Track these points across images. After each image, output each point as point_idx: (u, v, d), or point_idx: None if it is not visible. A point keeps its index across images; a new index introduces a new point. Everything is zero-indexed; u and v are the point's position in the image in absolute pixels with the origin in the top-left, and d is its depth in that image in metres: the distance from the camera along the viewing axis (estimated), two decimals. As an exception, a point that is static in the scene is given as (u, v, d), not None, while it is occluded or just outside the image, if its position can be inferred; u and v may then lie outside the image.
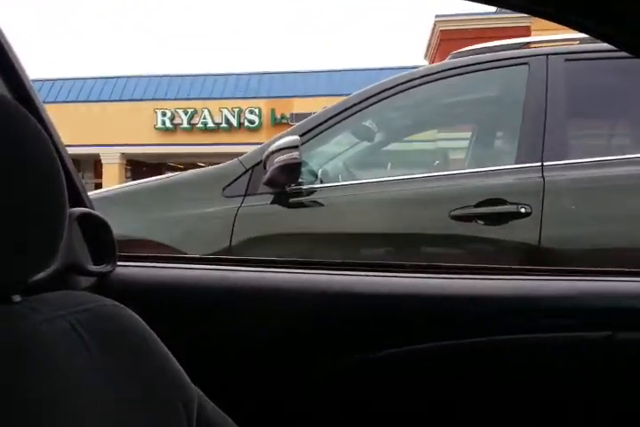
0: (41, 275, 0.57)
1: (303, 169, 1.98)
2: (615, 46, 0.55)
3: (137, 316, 0.61)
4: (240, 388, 0.87)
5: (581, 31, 0.58)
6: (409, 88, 2.10)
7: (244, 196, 1.98)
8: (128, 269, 0.90)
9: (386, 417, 0.86)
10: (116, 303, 0.61)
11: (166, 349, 0.61)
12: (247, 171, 2.01)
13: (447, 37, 11.32)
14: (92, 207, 0.86)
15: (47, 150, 0.53)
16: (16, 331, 0.51)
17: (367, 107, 2.11)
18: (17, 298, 0.56)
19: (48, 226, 0.53)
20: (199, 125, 14.26)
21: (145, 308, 0.64)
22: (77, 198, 0.84)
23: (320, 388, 0.86)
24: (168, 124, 14.36)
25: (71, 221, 0.75)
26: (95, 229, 0.80)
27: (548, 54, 2.04)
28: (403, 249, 1.94)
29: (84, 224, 0.78)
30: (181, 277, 0.93)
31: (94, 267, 0.80)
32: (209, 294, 0.90)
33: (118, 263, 0.86)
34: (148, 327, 0.61)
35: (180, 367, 0.61)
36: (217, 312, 0.89)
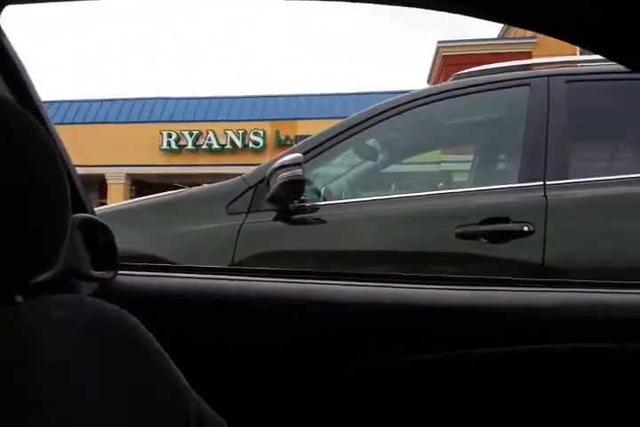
0: (43, 277, 0.58)
1: (306, 187, 1.99)
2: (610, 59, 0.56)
3: (137, 320, 0.61)
4: (240, 395, 0.86)
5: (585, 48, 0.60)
6: (411, 108, 2.13)
7: (247, 212, 1.99)
8: (130, 278, 0.91)
9: None
10: (118, 308, 0.61)
11: (166, 354, 0.60)
12: (250, 188, 2.02)
13: (450, 63, 11.46)
14: (93, 213, 0.87)
15: (51, 154, 0.54)
16: (17, 331, 0.51)
17: (370, 126, 2.13)
18: (19, 299, 0.56)
19: (51, 228, 0.53)
20: (204, 147, 14.37)
21: (146, 316, 0.64)
22: (80, 205, 0.85)
23: (318, 397, 0.85)
24: (173, 145, 14.48)
25: (73, 225, 0.75)
26: (97, 236, 0.80)
27: (549, 76, 2.07)
28: (406, 266, 1.93)
29: (86, 231, 0.78)
30: (184, 286, 0.93)
31: (96, 272, 0.80)
32: (210, 302, 0.91)
33: (120, 272, 0.86)
34: (148, 333, 0.61)
35: (180, 373, 0.60)
36: (218, 321, 0.89)
